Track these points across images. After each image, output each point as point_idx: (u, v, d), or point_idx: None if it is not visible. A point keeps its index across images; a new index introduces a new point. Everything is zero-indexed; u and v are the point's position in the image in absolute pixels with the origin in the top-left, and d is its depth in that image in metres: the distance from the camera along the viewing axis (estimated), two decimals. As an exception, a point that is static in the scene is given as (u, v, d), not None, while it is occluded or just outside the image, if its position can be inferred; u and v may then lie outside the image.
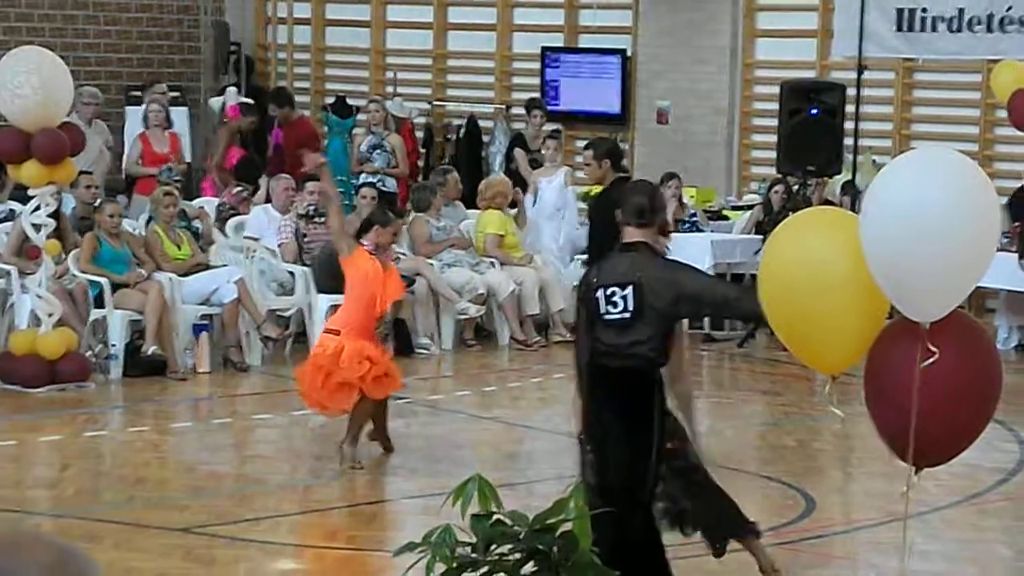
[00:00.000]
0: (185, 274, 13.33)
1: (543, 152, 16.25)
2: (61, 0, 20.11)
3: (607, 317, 7.16)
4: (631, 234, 7.28)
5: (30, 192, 12.35)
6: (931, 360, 5.92)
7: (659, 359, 7.19)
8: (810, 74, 17.37)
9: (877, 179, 6.24)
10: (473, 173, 18.15)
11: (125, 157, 16.78)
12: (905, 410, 5.95)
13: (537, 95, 18.63)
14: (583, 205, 15.95)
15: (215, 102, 18.70)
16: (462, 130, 19.47)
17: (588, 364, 7.28)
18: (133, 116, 17.74)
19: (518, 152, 17.59)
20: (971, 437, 6.27)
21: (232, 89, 18.80)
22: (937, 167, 6.11)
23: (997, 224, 6.17)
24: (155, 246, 13.50)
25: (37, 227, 12.34)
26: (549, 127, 17.89)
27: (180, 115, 18.29)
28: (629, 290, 7.11)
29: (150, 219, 13.96)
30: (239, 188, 15.52)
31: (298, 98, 20.94)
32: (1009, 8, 16.47)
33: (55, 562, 2.98)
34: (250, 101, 18.83)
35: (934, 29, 16.90)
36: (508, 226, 15.16)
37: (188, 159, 17.64)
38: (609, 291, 7.16)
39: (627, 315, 7.11)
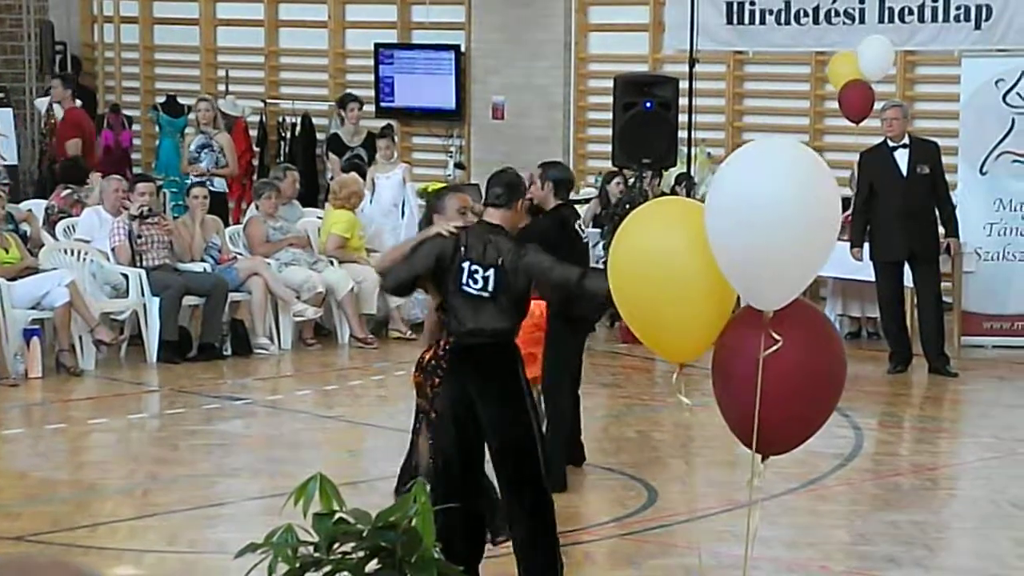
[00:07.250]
0: (14, 278, 13.04)
1: (380, 151, 16.10)
2: None
3: (467, 290, 7.38)
4: (491, 215, 7.57)
5: None
6: (774, 348, 5.95)
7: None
8: (643, 68, 17.50)
9: (722, 169, 6.25)
10: (308, 171, 18.01)
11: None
12: (748, 398, 5.97)
13: (370, 92, 18.52)
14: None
15: (41, 103, 18.33)
16: (296, 128, 19.33)
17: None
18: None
19: (332, 158, 17.48)
20: (815, 425, 6.30)
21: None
22: (780, 158, 6.13)
23: (839, 213, 6.22)
24: (-19, 250, 13.20)
25: None
26: (381, 123, 17.78)
27: (4, 116, 17.89)
28: (491, 272, 7.36)
29: (-25, 222, 13.64)
30: (68, 190, 15.23)
31: (128, 97, 20.65)
32: (835, 1, 16.74)
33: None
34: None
35: (763, 22, 17.13)
36: (356, 229, 15.04)
37: (15, 161, 17.24)
38: (473, 268, 7.39)
39: (485, 294, 7.37)
